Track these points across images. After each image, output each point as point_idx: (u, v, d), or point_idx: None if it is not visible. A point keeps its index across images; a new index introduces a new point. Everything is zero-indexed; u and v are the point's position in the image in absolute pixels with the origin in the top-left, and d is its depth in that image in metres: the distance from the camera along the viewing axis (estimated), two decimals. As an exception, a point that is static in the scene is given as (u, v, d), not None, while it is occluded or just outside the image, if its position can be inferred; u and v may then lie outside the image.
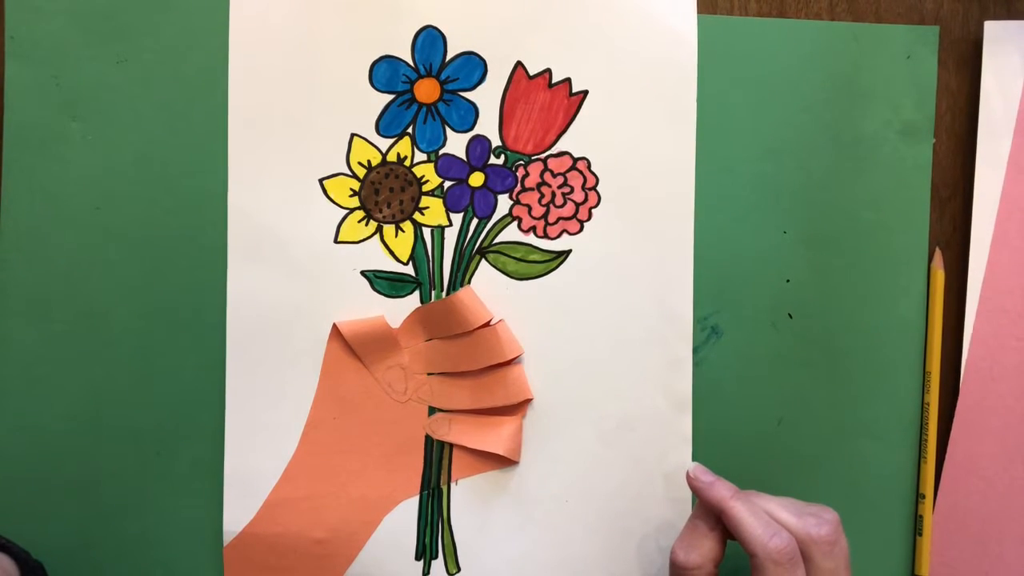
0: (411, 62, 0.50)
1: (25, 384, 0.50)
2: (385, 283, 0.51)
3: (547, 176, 0.51)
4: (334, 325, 0.50)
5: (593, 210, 0.51)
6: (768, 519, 0.45)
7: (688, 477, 0.48)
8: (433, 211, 0.51)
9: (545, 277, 0.51)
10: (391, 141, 0.51)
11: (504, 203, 0.51)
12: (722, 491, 0.46)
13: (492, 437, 0.51)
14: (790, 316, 0.53)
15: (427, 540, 0.52)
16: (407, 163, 0.51)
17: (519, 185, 0.51)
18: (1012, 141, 0.52)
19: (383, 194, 0.51)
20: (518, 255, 0.51)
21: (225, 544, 0.50)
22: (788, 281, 0.53)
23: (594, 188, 0.51)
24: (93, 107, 0.49)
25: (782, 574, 0.44)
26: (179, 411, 0.50)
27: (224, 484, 0.50)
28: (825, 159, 0.52)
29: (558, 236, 0.51)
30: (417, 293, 0.51)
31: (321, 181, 0.50)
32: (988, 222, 0.52)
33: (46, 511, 0.50)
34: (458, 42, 0.50)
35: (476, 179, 0.51)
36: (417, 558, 0.52)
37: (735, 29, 0.52)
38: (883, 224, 0.53)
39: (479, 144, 0.51)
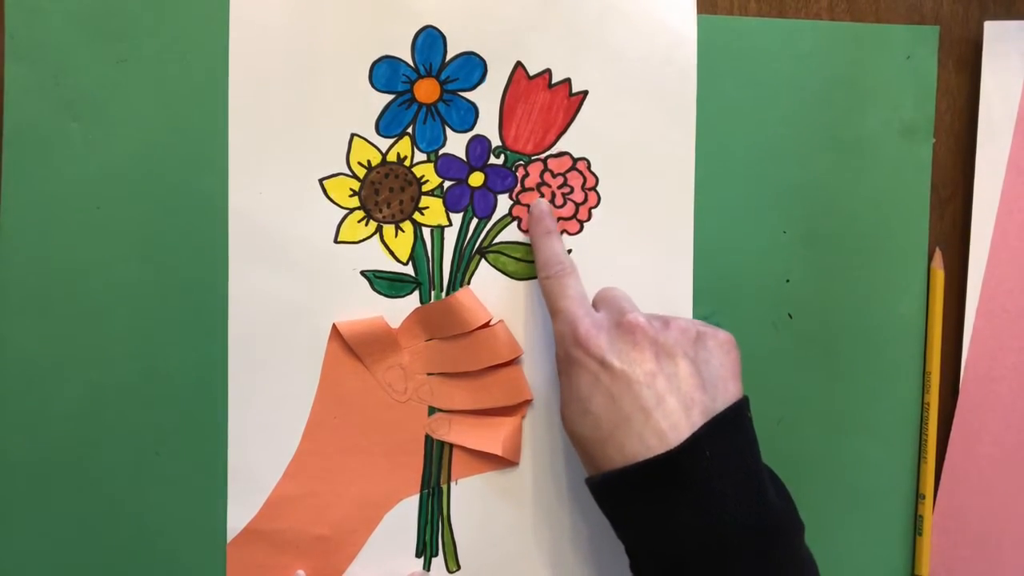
0: (411, 62, 0.50)
1: (25, 384, 0.50)
2: (385, 283, 0.51)
3: (547, 176, 0.51)
4: (334, 325, 0.50)
5: (593, 210, 0.51)
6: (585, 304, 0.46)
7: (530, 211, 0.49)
8: (433, 211, 0.51)
9: (545, 277, 0.51)
10: (391, 141, 0.51)
11: (504, 203, 0.51)
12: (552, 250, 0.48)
13: (492, 438, 0.51)
14: (790, 316, 0.53)
15: (427, 538, 0.52)
16: (407, 163, 0.51)
17: (519, 185, 0.51)
18: (1012, 141, 0.52)
19: (383, 194, 0.51)
20: (518, 255, 0.51)
21: (228, 540, 0.51)
22: (788, 281, 0.53)
23: (594, 188, 0.51)
24: (93, 107, 0.49)
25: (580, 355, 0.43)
26: (179, 411, 0.50)
27: (228, 482, 0.51)
28: (825, 159, 0.52)
29: (558, 236, 0.51)
30: (417, 293, 0.51)
31: (321, 181, 0.50)
32: (988, 222, 0.52)
33: (46, 511, 0.50)
34: (458, 42, 0.50)
35: (476, 179, 0.51)
36: (417, 555, 0.52)
37: (735, 29, 0.52)
38: (883, 224, 0.53)
39: (479, 144, 0.51)
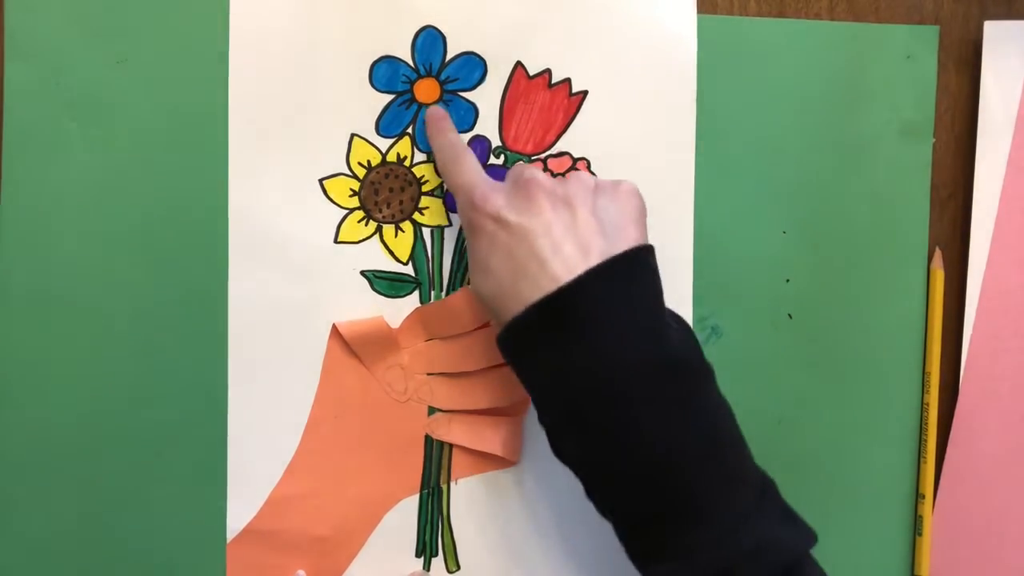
0: (411, 62, 0.50)
1: (25, 384, 0.50)
2: (385, 283, 0.51)
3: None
4: (334, 325, 0.50)
5: (593, 210, 0.51)
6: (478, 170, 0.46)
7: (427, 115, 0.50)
8: (433, 211, 0.51)
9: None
10: (391, 141, 0.51)
11: (504, 203, 0.51)
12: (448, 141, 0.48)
13: (491, 438, 0.51)
14: (790, 316, 0.53)
15: (427, 538, 0.52)
16: (407, 163, 0.51)
17: (519, 185, 0.51)
18: (1012, 141, 0.52)
19: (383, 194, 0.51)
20: (518, 255, 0.51)
21: (228, 540, 0.51)
22: (788, 281, 0.53)
23: (594, 188, 0.51)
24: (93, 107, 0.49)
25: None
26: (179, 411, 0.50)
27: (228, 482, 0.51)
28: (825, 159, 0.52)
29: (558, 236, 0.51)
30: (417, 293, 0.51)
31: (321, 181, 0.50)
32: (988, 222, 0.53)
33: (46, 511, 0.50)
34: (458, 42, 0.50)
35: (476, 179, 0.51)
36: (417, 555, 0.52)
37: (735, 29, 0.52)
38: (883, 224, 0.53)
39: (479, 144, 0.51)
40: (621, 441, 0.40)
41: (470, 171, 0.46)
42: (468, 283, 0.45)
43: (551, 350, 0.41)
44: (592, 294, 0.40)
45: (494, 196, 0.43)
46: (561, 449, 0.43)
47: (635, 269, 0.42)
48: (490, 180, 0.46)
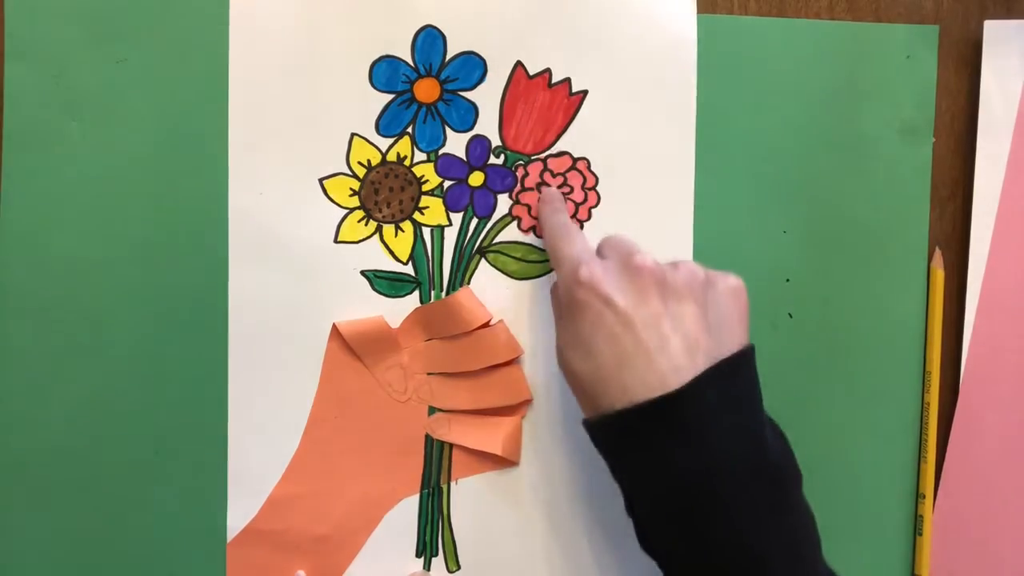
0: (411, 62, 0.50)
1: (25, 384, 0.50)
2: (385, 283, 0.51)
3: (547, 176, 0.51)
4: (334, 325, 0.50)
5: (593, 210, 0.51)
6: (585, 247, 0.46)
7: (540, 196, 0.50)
8: (433, 211, 0.51)
9: (545, 277, 0.51)
10: (391, 141, 0.51)
11: (504, 203, 0.51)
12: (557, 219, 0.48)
13: (491, 438, 0.51)
14: (790, 316, 0.53)
15: (427, 538, 0.52)
16: (407, 163, 0.51)
17: (519, 185, 0.51)
18: (1012, 141, 0.52)
19: (383, 194, 0.51)
20: (518, 255, 0.51)
21: (228, 540, 0.51)
22: (788, 281, 0.53)
23: (594, 188, 0.51)
24: (93, 107, 0.49)
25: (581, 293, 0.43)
26: (179, 411, 0.50)
27: (228, 481, 0.51)
28: (825, 159, 0.52)
29: (558, 236, 0.51)
30: (417, 293, 0.51)
31: (321, 181, 0.50)
32: (988, 221, 0.53)
33: (46, 511, 0.50)
34: (458, 42, 0.50)
35: (476, 179, 0.51)
36: (417, 555, 0.52)
37: (735, 29, 0.52)
38: (883, 224, 0.53)
39: (479, 144, 0.51)
40: (714, 540, 0.40)
41: (578, 247, 0.46)
42: (559, 360, 0.45)
43: (653, 448, 0.40)
44: (700, 401, 0.40)
45: (603, 275, 0.43)
46: (650, 541, 0.43)
47: (740, 372, 0.42)
48: (596, 257, 0.45)
